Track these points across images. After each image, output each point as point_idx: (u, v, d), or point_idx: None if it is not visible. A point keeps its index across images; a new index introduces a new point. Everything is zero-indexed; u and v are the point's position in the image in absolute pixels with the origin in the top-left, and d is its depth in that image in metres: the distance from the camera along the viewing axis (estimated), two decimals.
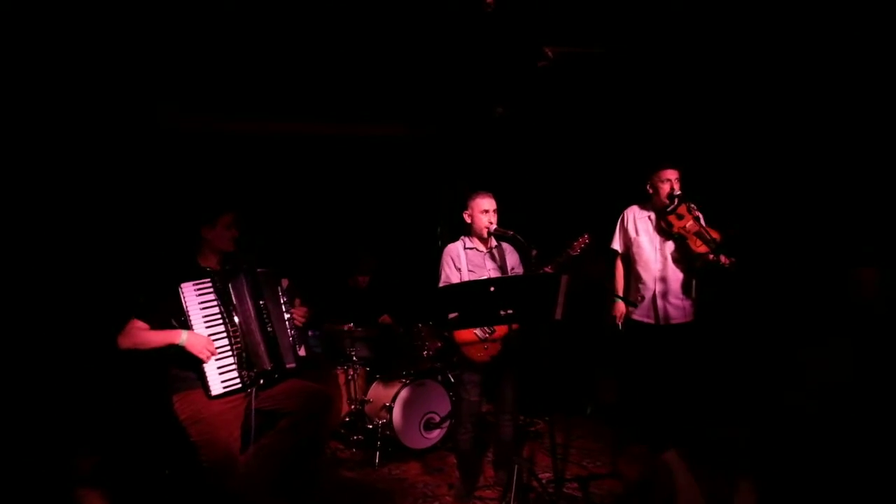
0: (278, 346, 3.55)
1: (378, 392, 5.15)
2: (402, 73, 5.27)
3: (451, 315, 3.67)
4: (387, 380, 5.20)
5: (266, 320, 3.54)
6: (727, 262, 4.05)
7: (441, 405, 5.06)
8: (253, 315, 3.51)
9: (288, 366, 3.57)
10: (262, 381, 3.46)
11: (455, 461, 4.26)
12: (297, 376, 3.64)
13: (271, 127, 6.20)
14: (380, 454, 4.82)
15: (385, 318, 5.83)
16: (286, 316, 3.65)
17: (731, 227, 4.09)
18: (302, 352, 3.69)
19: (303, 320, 3.80)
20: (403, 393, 4.94)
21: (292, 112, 6.02)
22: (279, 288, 3.68)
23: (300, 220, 6.33)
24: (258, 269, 3.63)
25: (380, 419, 4.94)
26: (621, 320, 4.47)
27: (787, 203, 4.63)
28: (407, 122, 6.57)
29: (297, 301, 3.87)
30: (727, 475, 3.55)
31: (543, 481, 4.08)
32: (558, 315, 3.64)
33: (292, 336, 3.64)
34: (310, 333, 5.60)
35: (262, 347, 3.49)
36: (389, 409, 4.89)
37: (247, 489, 3.33)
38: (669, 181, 4.27)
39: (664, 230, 4.33)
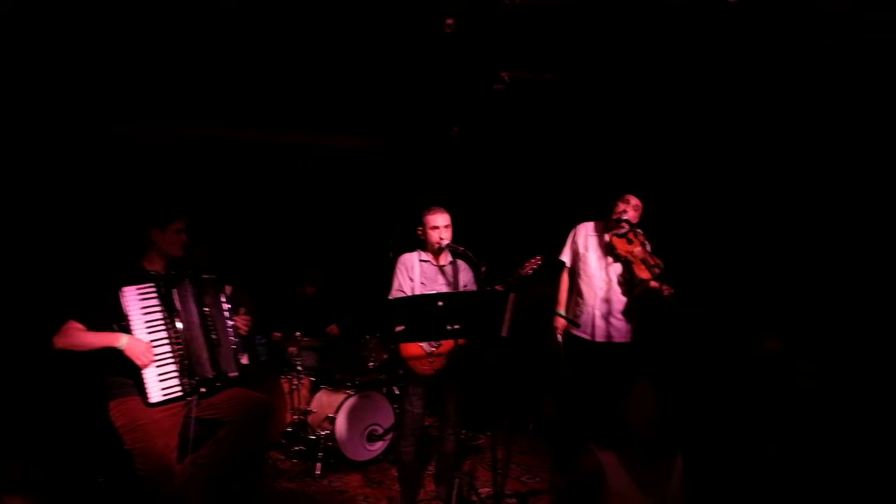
0: (221, 355, 3.50)
1: (322, 402, 5.11)
2: (360, 86, 5.29)
3: (399, 328, 3.70)
4: (331, 390, 5.17)
5: (210, 328, 3.49)
6: (668, 291, 4.17)
7: (385, 417, 5.06)
8: (197, 322, 3.46)
9: (230, 374, 3.52)
10: (203, 390, 3.41)
11: (396, 474, 4.25)
12: (241, 385, 3.60)
13: (225, 133, 6.14)
14: (321, 465, 4.79)
15: (332, 329, 5.80)
16: (230, 324, 3.61)
17: (663, 258, 4.22)
18: (245, 360, 3.66)
19: (246, 329, 3.76)
20: (347, 404, 4.92)
21: (247, 120, 5.98)
22: (223, 295, 3.64)
23: (249, 227, 6.26)
24: (204, 276, 3.58)
25: (322, 430, 4.91)
26: (561, 334, 4.55)
27: (730, 238, 4.81)
28: (364, 134, 6.59)
29: (242, 310, 3.84)
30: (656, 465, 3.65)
31: (483, 496, 4.11)
32: (504, 332, 3.70)
33: (235, 344, 3.60)
34: (257, 339, 5.54)
35: (204, 355, 3.44)
36: (332, 420, 4.86)
37: (183, 499, 3.27)
38: (627, 204, 4.37)
39: (612, 251, 4.42)
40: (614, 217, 4.38)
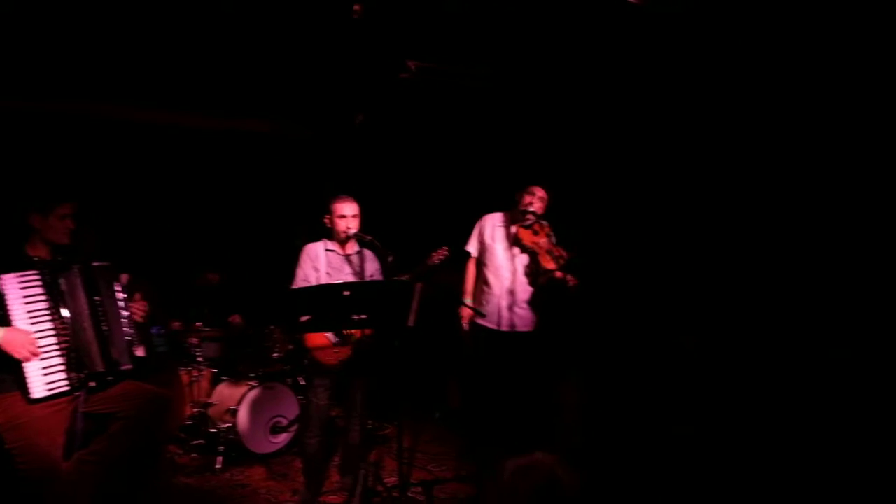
0: (113, 346, 3.32)
1: (223, 394, 4.96)
2: (266, 69, 5.15)
3: (303, 318, 3.63)
4: (233, 382, 5.03)
5: (101, 318, 3.30)
6: (572, 282, 4.28)
7: (289, 409, 4.96)
8: (86, 312, 3.26)
9: (123, 367, 3.35)
10: (93, 384, 3.22)
11: (301, 466, 4.19)
12: (136, 378, 3.44)
13: (123, 113, 5.84)
14: (222, 459, 4.65)
15: (235, 318, 5.64)
16: (124, 314, 3.42)
17: (570, 251, 4.33)
18: (140, 352, 3.47)
19: (143, 318, 3.58)
20: (250, 395, 4.80)
21: (148, 100, 5.70)
22: (117, 284, 3.45)
23: (150, 213, 5.99)
24: (95, 263, 3.38)
25: (224, 423, 4.77)
26: (467, 323, 4.59)
27: (636, 231, 4.98)
28: (271, 119, 6.43)
29: (138, 296, 3.65)
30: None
31: (389, 486, 4.11)
32: (411, 322, 3.72)
33: (130, 336, 3.42)
34: (153, 331, 5.31)
35: (94, 347, 3.25)
36: (234, 413, 4.73)
37: (70, 498, 3.09)
38: (533, 196, 4.44)
39: (518, 242, 4.49)
40: (521, 209, 4.45)
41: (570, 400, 4.67)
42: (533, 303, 4.53)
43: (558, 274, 4.27)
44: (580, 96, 5.07)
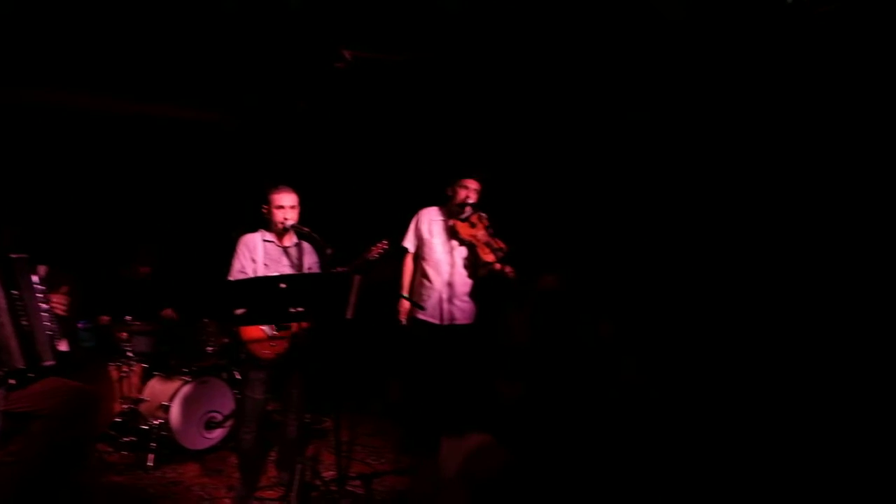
0: (34, 342, 3.17)
1: (155, 390, 4.81)
2: (201, 55, 5.00)
3: (239, 311, 3.55)
4: (165, 377, 4.88)
5: (20, 313, 3.14)
6: (511, 272, 4.31)
7: (224, 403, 4.85)
8: (4, 307, 3.10)
9: (45, 363, 3.20)
10: (13, 381, 3.08)
11: (237, 461, 4.10)
12: (59, 374, 3.29)
13: (49, 98, 5.57)
14: (154, 456, 4.51)
15: (167, 312, 5.47)
16: (44, 308, 3.26)
17: (508, 243, 4.38)
18: (64, 347, 3.33)
19: (65, 309, 3.42)
20: (183, 391, 4.67)
21: (78, 85, 5.46)
22: (36, 277, 3.28)
23: (78, 203, 5.76)
24: (12, 256, 3.21)
25: (155, 419, 4.62)
26: (405, 317, 4.59)
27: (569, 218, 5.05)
28: (206, 107, 6.24)
29: (64, 289, 3.49)
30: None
31: (327, 480, 4.06)
32: (349, 314, 3.67)
33: (52, 330, 3.27)
34: (80, 325, 5.11)
35: (14, 343, 3.09)
36: (167, 408, 4.59)
37: None
38: (467, 189, 4.46)
39: (456, 235, 4.50)
40: (458, 202, 4.45)
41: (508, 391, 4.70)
42: (472, 295, 4.55)
43: (497, 266, 4.29)
44: (514, 84, 5.09)
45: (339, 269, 3.83)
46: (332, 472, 4.20)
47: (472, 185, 4.47)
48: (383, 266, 4.31)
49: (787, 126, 3.90)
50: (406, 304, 4.56)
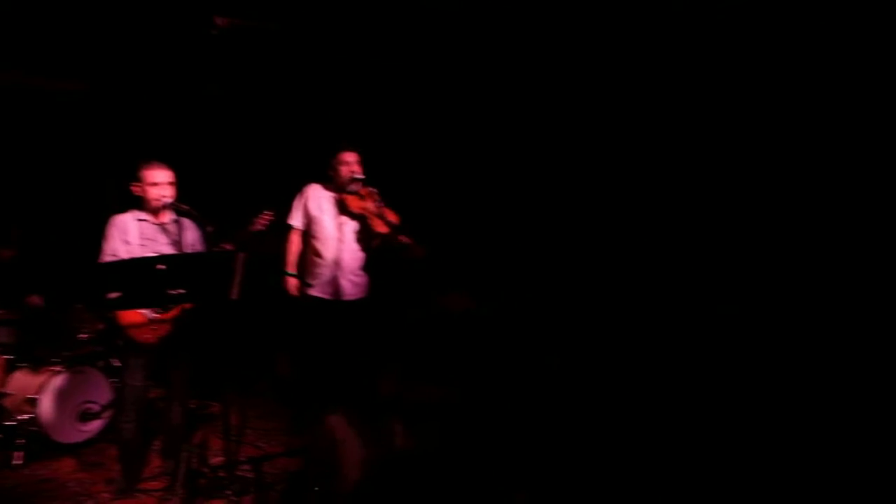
0: None
1: (20, 383, 4.47)
2: (65, 22, 4.63)
3: (113, 295, 3.35)
4: (32, 368, 4.54)
5: None
6: (407, 241, 4.31)
7: (101, 393, 4.58)
8: None
9: None
10: None
11: (117, 453, 3.91)
12: None
13: None
14: (22, 454, 4.20)
15: (33, 299, 5.07)
16: None
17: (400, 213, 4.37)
18: None
19: None
20: (54, 382, 4.36)
21: None
22: None
23: None
24: None
25: (22, 414, 4.30)
26: (295, 291, 4.52)
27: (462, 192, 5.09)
28: (73, 78, 5.80)
29: None
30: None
31: (215, 466, 3.94)
32: (235, 294, 3.55)
33: None
34: None
35: None
36: (35, 402, 4.28)
37: None
38: (349, 164, 4.40)
39: (346, 210, 4.44)
40: (344, 177, 4.40)
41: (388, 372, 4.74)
42: (364, 270, 4.53)
43: (390, 237, 4.29)
44: (395, 53, 5.06)
45: (225, 247, 3.68)
46: (221, 458, 4.07)
47: (352, 157, 4.42)
48: (269, 240, 4.21)
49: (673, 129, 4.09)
50: (293, 281, 4.47)
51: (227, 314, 3.64)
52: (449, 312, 4.66)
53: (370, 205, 4.39)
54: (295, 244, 4.57)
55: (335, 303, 4.45)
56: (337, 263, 4.44)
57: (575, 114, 4.53)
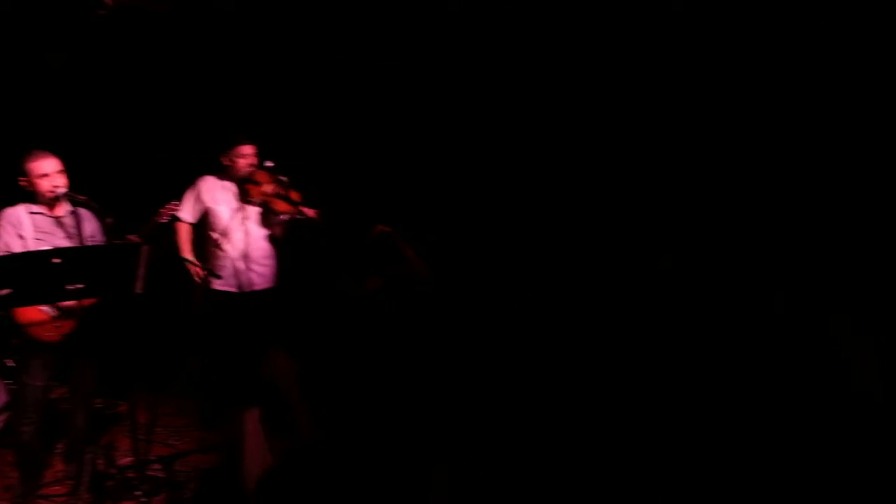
0: None
1: None
2: None
3: (3, 292, 3.17)
4: None
5: None
6: (313, 214, 4.33)
7: None
8: None
9: None
10: None
11: (14, 458, 3.71)
12: None
13: None
14: None
15: None
16: None
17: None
18: None
19: None
20: None
21: None
22: None
23: None
24: None
25: None
26: (200, 287, 4.44)
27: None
28: None
29: None
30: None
31: (122, 467, 3.82)
32: (139, 288, 3.43)
33: None
34: None
35: None
36: None
37: None
38: (246, 156, 4.35)
39: (245, 198, 4.40)
40: (239, 169, 4.35)
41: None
42: (271, 257, 4.51)
43: (297, 213, 4.30)
44: (292, 35, 5.01)
45: (130, 238, 3.56)
46: (129, 458, 3.94)
47: (248, 150, 4.37)
48: (174, 235, 4.11)
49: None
50: (197, 269, 4.41)
51: (132, 309, 3.51)
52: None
53: (269, 187, 4.35)
54: (184, 236, 4.48)
55: (243, 295, 4.39)
56: (240, 255, 4.38)
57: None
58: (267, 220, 4.43)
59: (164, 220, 3.74)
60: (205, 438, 4.44)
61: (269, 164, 4.32)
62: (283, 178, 4.36)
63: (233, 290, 4.38)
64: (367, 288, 4.19)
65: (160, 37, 5.01)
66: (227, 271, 4.36)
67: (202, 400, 4.85)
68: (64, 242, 3.53)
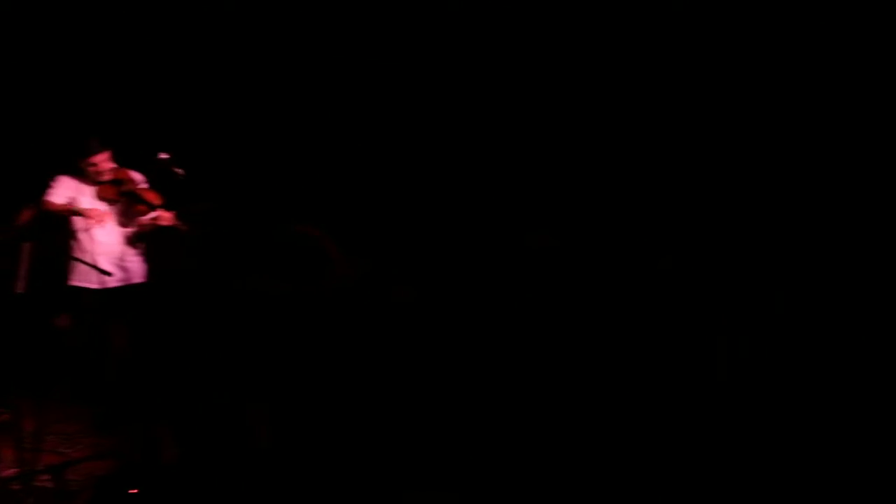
0: None
1: None
2: None
3: None
4: None
5: None
6: (170, 218, 4.38)
7: None
8: None
9: None
10: None
11: None
12: None
13: None
14: None
15: None
16: None
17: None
18: None
19: None
20: None
21: None
22: None
23: None
24: None
25: None
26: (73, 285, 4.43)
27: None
28: None
29: None
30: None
31: (6, 478, 3.58)
32: (20, 288, 3.26)
33: None
34: None
35: None
36: None
37: None
38: (101, 159, 4.38)
39: (105, 198, 4.43)
40: (95, 172, 4.39)
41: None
42: (138, 253, 4.57)
43: (154, 214, 4.37)
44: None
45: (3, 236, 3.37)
46: (13, 470, 3.70)
47: (100, 155, 4.38)
48: (63, 229, 4.02)
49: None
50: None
51: (12, 310, 3.31)
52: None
53: (127, 188, 4.41)
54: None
55: (105, 291, 4.35)
56: (107, 253, 4.39)
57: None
58: (127, 219, 4.49)
59: (25, 222, 3.69)
60: (99, 444, 4.23)
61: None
62: (140, 178, 4.46)
63: (92, 286, 4.34)
64: (284, 287, 4.22)
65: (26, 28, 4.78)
66: (83, 268, 4.29)
67: (95, 404, 4.63)
68: None
